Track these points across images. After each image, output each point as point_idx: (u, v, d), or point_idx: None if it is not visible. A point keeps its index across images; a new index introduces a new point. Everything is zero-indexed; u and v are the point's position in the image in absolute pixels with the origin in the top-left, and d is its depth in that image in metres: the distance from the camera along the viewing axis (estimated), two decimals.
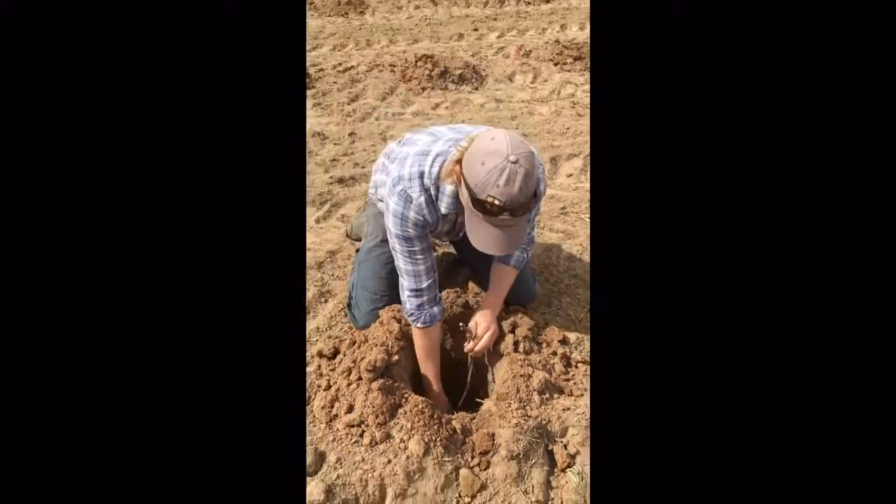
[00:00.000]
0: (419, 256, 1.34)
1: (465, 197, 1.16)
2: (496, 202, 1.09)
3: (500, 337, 1.45)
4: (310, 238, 2.07)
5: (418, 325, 1.38)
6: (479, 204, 1.12)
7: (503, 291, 1.50)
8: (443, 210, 1.31)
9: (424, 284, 1.37)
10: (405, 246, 1.33)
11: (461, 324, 1.48)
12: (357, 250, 1.84)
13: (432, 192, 1.29)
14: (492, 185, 1.08)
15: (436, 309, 1.39)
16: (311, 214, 2.23)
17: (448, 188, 1.28)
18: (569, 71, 3.72)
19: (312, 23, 4.55)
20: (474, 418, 1.28)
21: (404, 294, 1.39)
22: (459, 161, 1.16)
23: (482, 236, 1.17)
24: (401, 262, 1.36)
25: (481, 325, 1.42)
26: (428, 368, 1.42)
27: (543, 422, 1.26)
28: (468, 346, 1.42)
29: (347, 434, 1.21)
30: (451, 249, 1.87)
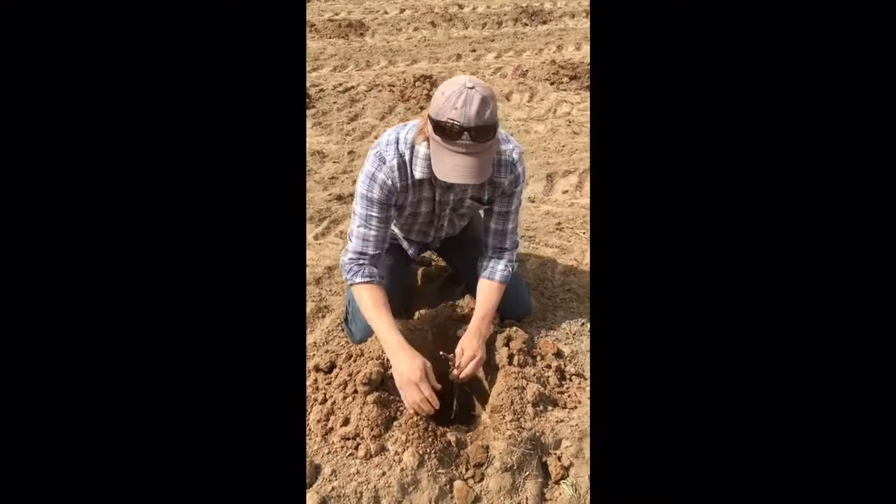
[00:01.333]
0: (374, 223, 1.37)
1: (429, 130, 1.21)
2: (455, 123, 1.15)
3: (493, 351, 1.47)
4: (308, 254, 2.10)
5: (357, 280, 1.36)
6: (439, 128, 1.18)
7: (490, 311, 1.49)
8: (417, 174, 1.34)
9: (370, 251, 1.38)
10: (364, 207, 1.36)
11: (442, 353, 1.44)
12: None
13: (406, 156, 1.34)
14: (450, 108, 1.16)
15: (375, 269, 1.38)
16: (310, 231, 2.26)
17: (422, 150, 1.32)
18: (564, 90, 3.79)
19: (313, 44, 4.65)
20: (469, 430, 1.29)
21: (345, 256, 1.39)
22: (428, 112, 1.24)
23: (446, 165, 1.20)
24: (354, 225, 1.39)
25: (467, 352, 1.39)
26: (379, 319, 1.33)
27: (537, 434, 1.27)
28: (453, 373, 1.39)
29: (343, 447, 1.22)
30: (447, 270, 1.90)
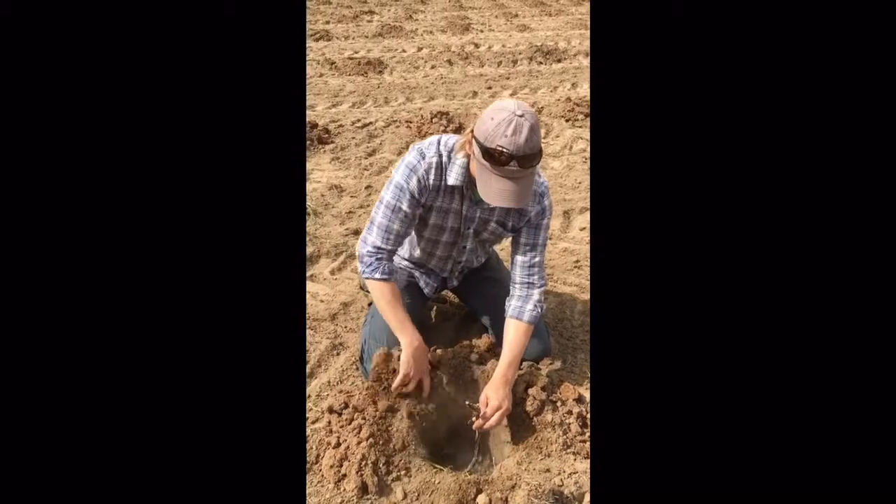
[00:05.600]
0: (400, 215, 1.40)
1: (476, 153, 1.24)
2: (504, 150, 1.18)
3: (513, 395, 1.41)
4: (324, 289, 2.09)
5: (376, 276, 1.42)
6: (488, 154, 1.21)
7: (518, 356, 1.43)
8: (451, 180, 1.38)
9: (388, 247, 1.42)
10: (396, 196, 1.38)
11: (468, 402, 1.39)
12: (370, 303, 1.85)
13: (444, 159, 1.38)
14: (500, 135, 1.18)
15: (392, 266, 1.44)
16: (326, 265, 2.26)
17: (460, 160, 1.36)
18: (580, 127, 3.81)
19: (333, 82, 4.77)
20: (487, 481, 1.24)
21: (363, 248, 1.43)
22: (472, 131, 1.27)
23: (493, 189, 1.23)
24: (379, 214, 1.41)
25: (492, 402, 1.33)
26: (392, 316, 1.41)
27: (558, 485, 1.21)
28: (477, 423, 1.33)
29: (356, 497, 1.17)
30: (460, 303, 1.87)
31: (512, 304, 1.50)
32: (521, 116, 1.18)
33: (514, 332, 1.46)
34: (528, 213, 1.46)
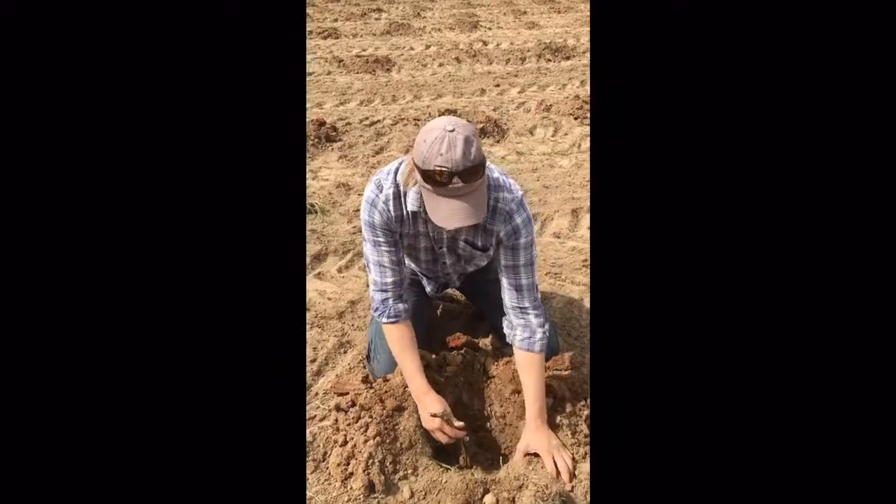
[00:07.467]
0: (383, 248, 1.39)
1: (419, 179, 1.21)
2: (443, 169, 1.15)
3: (519, 396, 1.40)
4: (331, 287, 2.09)
5: (383, 319, 1.41)
6: (429, 178, 1.17)
7: (542, 390, 1.35)
8: (410, 206, 1.34)
9: (389, 279, 1.40)
10: (370, 233, 1.39)
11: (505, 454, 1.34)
12: None
13: (402, 187, 1.35)
14: (435, 154, 1.15)
15: (401, 305, 1.42)
16: (334, 263, 2.26)
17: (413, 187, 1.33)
18: (588, 125, 3.79)
19: (341, 79, 4.77)
20: (495, 481, 1.23)
21: (371, 289, 1.45)
22: (413, 158, 1.23)
23: (442, 211, 1.19)
24: (367, 252, 1.42)
25: (537, 447, 1.27)
26: (405, 362, 1.38)
27: (567, 488, 1.20)
28: (551, 476, 1.23)
29: (363, 495, 1.17)
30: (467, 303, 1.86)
31: (517, 335, 1.40)
32: (451, 131, 1.14)
33: (529, 365, 1.37)
34: (497, 233, 1.36)
